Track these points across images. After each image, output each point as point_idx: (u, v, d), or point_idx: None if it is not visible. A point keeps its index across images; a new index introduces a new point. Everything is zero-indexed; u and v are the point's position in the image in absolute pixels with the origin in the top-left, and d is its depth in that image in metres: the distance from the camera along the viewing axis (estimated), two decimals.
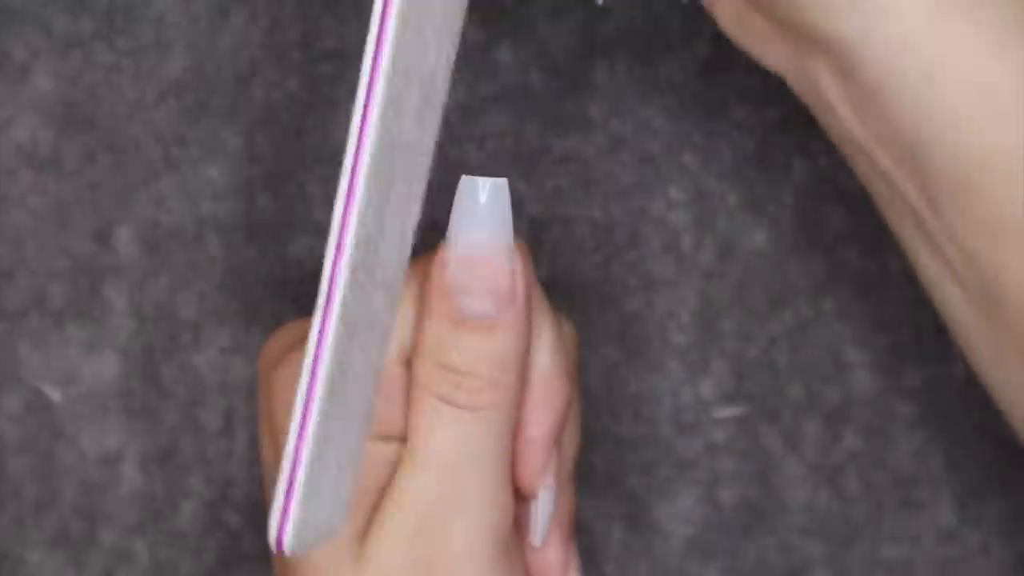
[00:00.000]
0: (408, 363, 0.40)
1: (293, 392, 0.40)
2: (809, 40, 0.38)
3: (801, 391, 0.51)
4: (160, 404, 0.49)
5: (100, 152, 0.49)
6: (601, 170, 0.50)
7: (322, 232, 0.49)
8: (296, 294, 0.49)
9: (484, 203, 0.39)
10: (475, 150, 0.49)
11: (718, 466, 0.51)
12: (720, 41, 0.50)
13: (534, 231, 0.50)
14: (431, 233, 0.49)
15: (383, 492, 0.40)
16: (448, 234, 0.40)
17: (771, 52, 0.40)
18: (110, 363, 0.49)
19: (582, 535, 0.49)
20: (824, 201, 0.50)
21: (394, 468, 0.40)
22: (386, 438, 0.40)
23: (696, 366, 0.50)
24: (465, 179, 0.40)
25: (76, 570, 0.49)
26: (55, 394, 0.49)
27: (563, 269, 0.50)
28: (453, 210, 0.40)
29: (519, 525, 0.42)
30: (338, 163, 0.49)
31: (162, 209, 0.49)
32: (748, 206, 0.50)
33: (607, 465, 0.50)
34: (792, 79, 0.40)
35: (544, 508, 0.42)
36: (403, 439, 0.40)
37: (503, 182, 0.39)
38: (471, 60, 0.49)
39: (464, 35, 0.49)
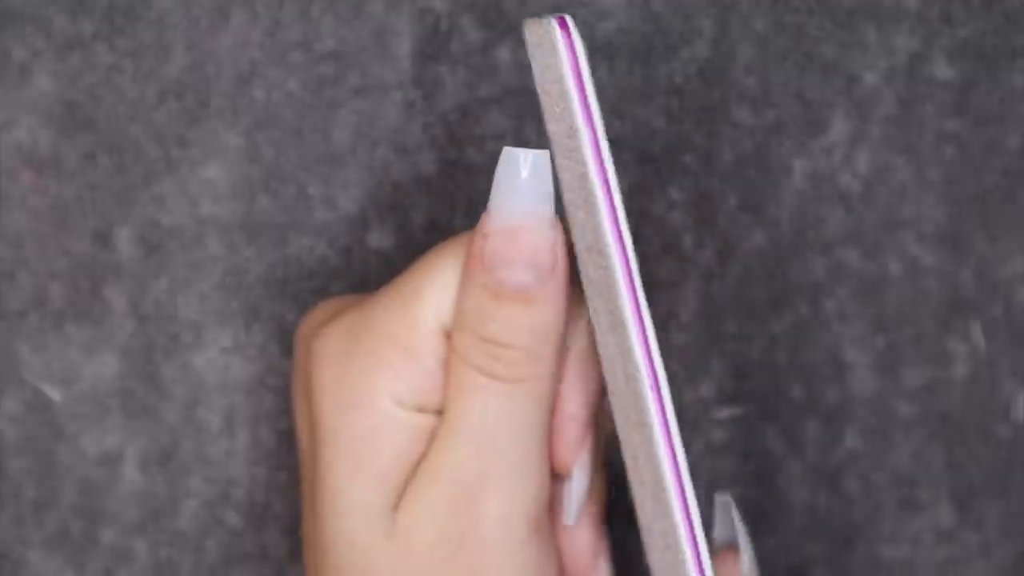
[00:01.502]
0: (447, 335, 0.40)
1: (334, 362, 0.40)
2: None
3: (801, 391, 0.51)
4: (160, 404, 0.49)
5: (100, 152, 0.49)
6: None
7: (322, 232, 0.49)
8: (296, 294, 0.49)
9: (525, 175, 0.39)
10: (475, 150, 0.49)
11: (718, 466, 0.51)
12: (719, 42, 0.50)
13: None
14: (431, 232, 0.50)
15: (416, 464, 0.40)
16: (489, 206, 0.39)
17: None
18: (110, 363, 0.49)
19: None
20: (823, 202, 0.50)
21: (429, 440, 0.40)
22: (422, 410, 0.40)
23: (696, 366, 0.50)
24: (507, 151, 0.39)
25: (76, 570, 0.49)
26: (55, 394, 0.49)
27: None
28: (494, 182, 0.39)
29: (552, 505, 0.42)
30: (338, 163, 0.49)
31: (162, 209, 0.49)
32: (748, 207, 0.50)
33: (607, 465, 0.50)
34: None
35: (579, 487, 0.42)
36: (439, 411, 0.40)
37: (545, 154, 0.39)
38: (471, 60, 0.49)
39: (464, 34, 0.49)
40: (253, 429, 0.49)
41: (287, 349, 0.49)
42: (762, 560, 0.51)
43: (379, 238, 0.49)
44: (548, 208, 0.39)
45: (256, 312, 0.49)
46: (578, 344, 0.41)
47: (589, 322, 0.41)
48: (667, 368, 0.50)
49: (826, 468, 0.51)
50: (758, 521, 0.51)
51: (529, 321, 0.39)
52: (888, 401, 0.51)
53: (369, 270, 0.49)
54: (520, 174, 0.39)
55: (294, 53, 0.49)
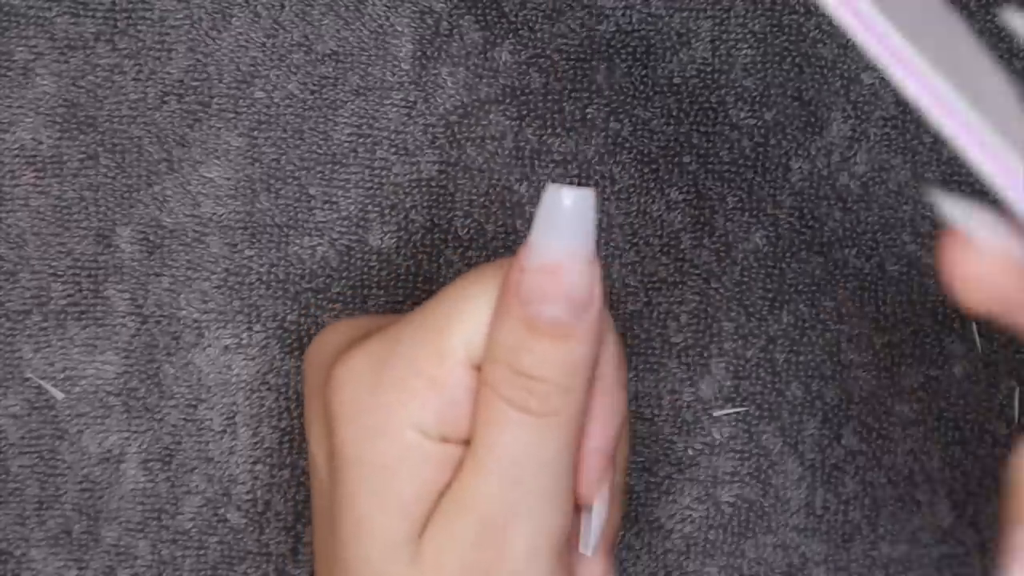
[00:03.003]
0: (474, 366, 0.40)
1: (359, 390, 0.39)
2: None
3: (800, 391, 0.51)
4: (162, 403, 0.49)
5: (102, 153, 0.49)
6: (601, 170, 0.50)
7: (323, 232, 0.49)
8: (297, 293, 0.49)
9: (568, 212, 0.39)
10: (475, 150, 0.49)
11: (718, 465, 0.51)
12: (718, 43, 0.50)
13: None
14: (431, 232, 0.50)
15: (440, 494, 0.40)
16: (530, 240, 0.39)
17: None
18: (112, 362, 0.49)
19: None
20: (822, 202, 0.50)
21: (453, 470, 0.40)
22: (446, 440, 0.40)
23: (696, 366, 0.50)
24: (551, 187, 0.39)
25: (78, 568, 0.49)
26: (57, 393, 0.49)
27: None
28: (536, 216, 0.39)
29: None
30: (339, 164, 0.49)
31: (164, 209, 0.49)
32: (747, 207, 0.50)
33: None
34: None
35: (598, 519, 0.41)
36: (465, 442, 0.40)
37: (590, 192, 0.39)
38: (471, 60, 0.49)
39: (464, 36, 0.49)
40: (254, 428, 0.50)
41: (288, 348, 0.49)
42: (761, 559, 0.51)
43: (379, 238, 0.49)
44: (589, 246, 0.39)
45: (257, 311, 0.49)
46: (603, 379, 0.41)
47: (614, 354, 0.41)
48: (666, 367, 0.50)
49: (824, 467, 0.51)
50: (756, 520, 0.51)
51: (563, 356, 0.39)
52: (886, 400, 0.51)
53: (369, 270, 0.49)
54: (563, 211, 0.39)
55: (295, 54, 0.49)
